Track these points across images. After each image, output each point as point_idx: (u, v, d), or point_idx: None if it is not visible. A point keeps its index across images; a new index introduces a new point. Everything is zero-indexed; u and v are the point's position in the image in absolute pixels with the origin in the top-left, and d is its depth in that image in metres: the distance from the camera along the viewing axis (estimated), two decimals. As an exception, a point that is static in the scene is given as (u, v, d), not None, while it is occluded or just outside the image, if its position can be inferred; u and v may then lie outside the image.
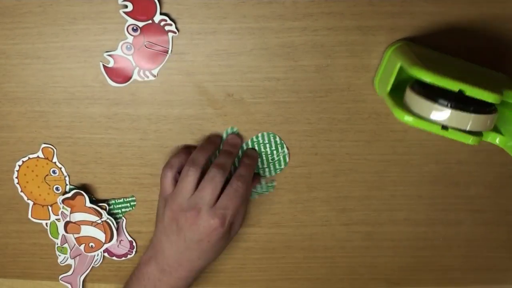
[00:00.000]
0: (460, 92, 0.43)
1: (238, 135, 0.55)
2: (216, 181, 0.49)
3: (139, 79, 0.53)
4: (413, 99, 0.46)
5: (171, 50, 0.52)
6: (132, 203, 0.59)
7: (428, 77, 0.43)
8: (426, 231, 0.59)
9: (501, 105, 0.48)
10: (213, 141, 0.54)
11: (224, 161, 0.51)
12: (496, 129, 0.50)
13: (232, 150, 0.54)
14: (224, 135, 0.55)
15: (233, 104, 0.54)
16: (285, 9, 0.50)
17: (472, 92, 0.43)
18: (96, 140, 0.57)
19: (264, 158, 0.56)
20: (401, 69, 0.46)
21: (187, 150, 0.55)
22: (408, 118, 0.46)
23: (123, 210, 0.60)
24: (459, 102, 0.45)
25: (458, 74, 0.46)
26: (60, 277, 0.62)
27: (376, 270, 0.61)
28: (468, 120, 0.45)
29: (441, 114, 0.45)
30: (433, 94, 0.45)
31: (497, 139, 0.49)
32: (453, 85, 0.43)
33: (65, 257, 0.62)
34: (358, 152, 0.56)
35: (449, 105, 0.44)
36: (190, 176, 0.50)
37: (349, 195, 0.58)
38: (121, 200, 0.59)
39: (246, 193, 0.51)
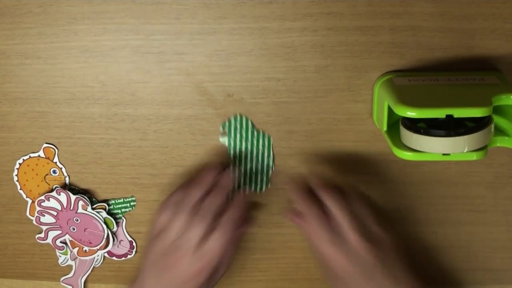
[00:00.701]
0: (449, 116, 0.43)
1: (229, 174, 0.54)
2: (202, 225, 0.49)
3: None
4: (407, 135, 0.47)
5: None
6: (132, 203, 0.59)
7: (412, 113, 0.44)
8: (426, 231, 0.59)
9: (499, 110, 0.48)
10: (203, 180, 0.53)
11: (212, 204, 0.50)
12: (503, 132, 0.50)
13: (222, 191, 0.52)
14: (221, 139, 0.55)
15: (233, 104, 0.54)
16: (285, 9, 0.50)
17: (460, 113, 0.43)
18: (96, 140, 0.57)
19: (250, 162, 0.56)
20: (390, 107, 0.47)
21: (184, 188, 0.53)
22: (407, 155, 0.47)
23: (123, 210, 0.60)
24: (451, 127, 0.45)
25: (444, 97, 0.46)
26: (62, 279, 0.62)
27: (376, 270, 0.61)
28: (464, 143, 0.45)
29: (437, 144, 0.45)
30: (426, 125, 0.46)
31: (506, 142, 0.49)
32: (439, 113, 0.44)
33: (65, 258, 0.62)
34: (358, 152, 0.56)
35: (442, 134, 0.45)
36: (178, 221, 0.50)
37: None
38: (121, 200, 0.59)
39: (233, 236, 0.50)
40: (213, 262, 0.49)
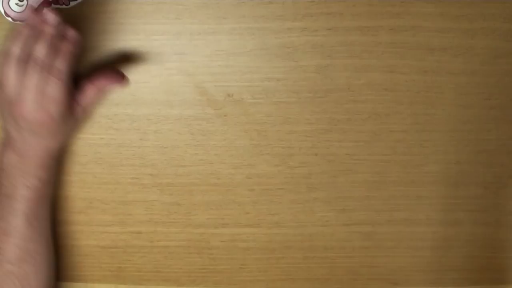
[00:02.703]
0: None
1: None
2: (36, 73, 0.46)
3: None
4: None
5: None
6: None
7: None
8: (426, 231, 0.59)
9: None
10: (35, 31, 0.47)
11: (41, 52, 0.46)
12: None
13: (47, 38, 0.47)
14: None
15: (233, 104, 0.54)
16: (285, 9, 0.50)
17: None
18: (96, 140, 0.57)
19: None
20: None
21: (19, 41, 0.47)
22: None
23: None
24: None
25: None
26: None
27: (376, 270, 0.61)
28: None
29: None
30: None
31: None
32: None
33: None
34: (358, 152, 0.56)
35: None
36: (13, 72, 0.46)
37: (349, 195, 0.58)
38: None
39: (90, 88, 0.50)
40: (54, 109, 0.47)
